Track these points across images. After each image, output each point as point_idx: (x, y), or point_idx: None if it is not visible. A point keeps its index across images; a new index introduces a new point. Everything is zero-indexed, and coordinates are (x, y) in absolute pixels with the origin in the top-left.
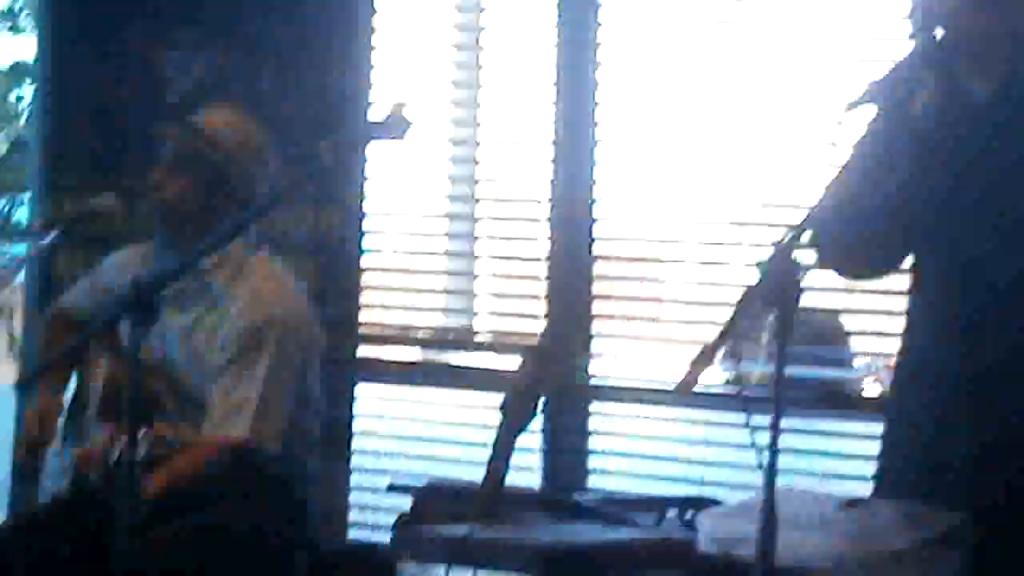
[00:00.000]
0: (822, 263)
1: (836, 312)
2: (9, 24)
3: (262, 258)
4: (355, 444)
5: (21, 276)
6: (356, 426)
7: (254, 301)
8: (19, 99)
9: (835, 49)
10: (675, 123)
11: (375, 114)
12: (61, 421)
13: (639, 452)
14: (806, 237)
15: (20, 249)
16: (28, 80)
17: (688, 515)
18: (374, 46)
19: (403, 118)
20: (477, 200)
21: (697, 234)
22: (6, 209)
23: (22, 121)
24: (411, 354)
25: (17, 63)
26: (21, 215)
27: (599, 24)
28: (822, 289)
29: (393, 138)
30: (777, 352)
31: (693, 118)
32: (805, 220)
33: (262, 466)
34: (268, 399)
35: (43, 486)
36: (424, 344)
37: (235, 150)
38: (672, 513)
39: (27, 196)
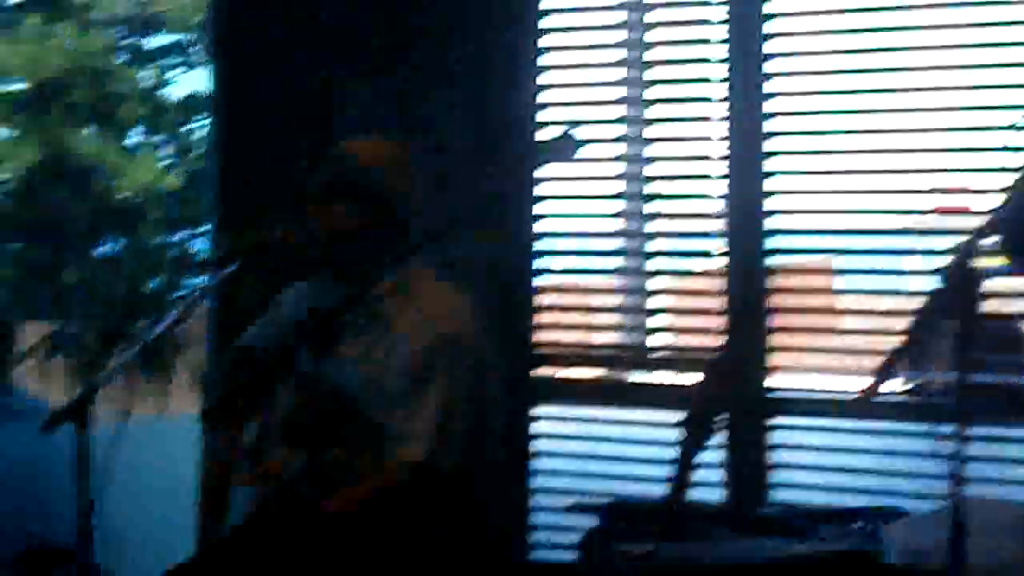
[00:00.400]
0: (1014, 271)
1: (1019, 317)
2: (182, 58)
3: (429, 280)
4: (535, 464)
5: (202, 309)
6: (535, 447)
7: (425, 323)
8: (195, 131)
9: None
10: (847, 128)
11: (544, 135)
12: (244, 455)
13: (822, 464)
14: (988, 242)
15: (200, 282)
16: (202, 113)
17: (874, 527)
18: (541, 67)
19: (572, 138)
20: (649, 216)
21: (874, 243)
22: (185, 242)
23: (197, 154)
24: (588, 373)
25: (191, 96)
26: (201, 247)
27: (767, 35)
28: (1004, 295)
29: (563, 159)
30: (960, 359)
31: (866, 122)
32: (987, 225)
33: (442, 488)
34: (445, 421)
35: (229, 520)
36: (601, 363)
37: (384, 174)
38: (857, 525)
39: (205, 229)
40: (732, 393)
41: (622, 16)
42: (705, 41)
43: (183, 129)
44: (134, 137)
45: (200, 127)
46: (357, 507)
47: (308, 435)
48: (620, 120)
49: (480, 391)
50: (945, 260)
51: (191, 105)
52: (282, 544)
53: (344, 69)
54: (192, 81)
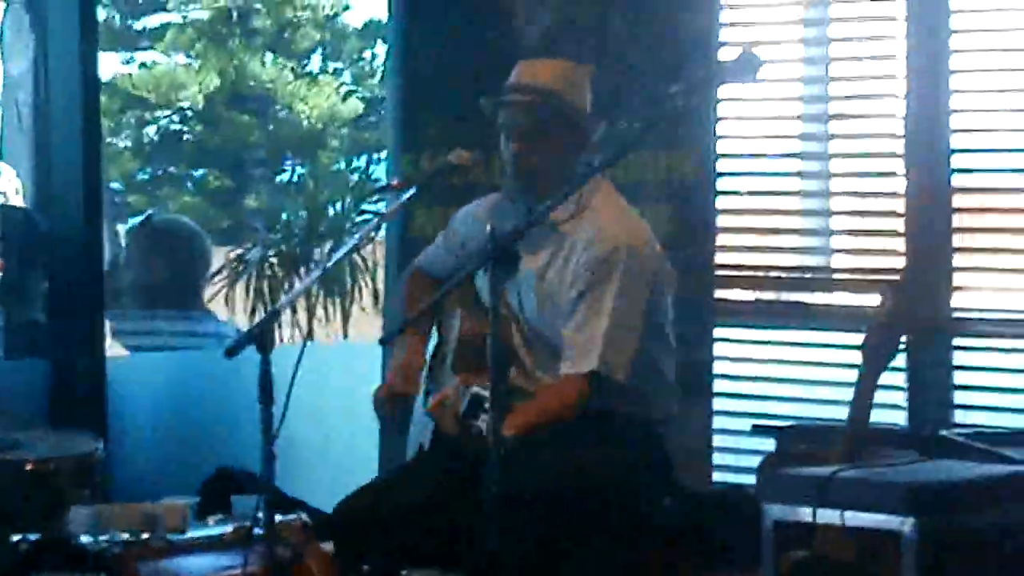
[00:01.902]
0: None
1: None
2: None
3: (604, 193)
4: (716, 386)
5: (381, 232)
6: (716, 368)
7: (599, 233)
8: (373, 57)
9: None
10: None
11: (726, 55)
12: (424, 375)
13: (1005, 385)
14: None
15: (379, 206)
16: (381, 39)
17: None
18: None
19: (754, 58)
20: (831, 137)
21: None
22: (364, 167)
23: (377, 79)
24: (769, 295)
25: (370, 21)
26: (379, 172)
27: None
28: None
29: (745, 79)
30: None
31: None
32: None
33: (617, 402)
34: (616, 328)
35: (411, 439)
36: (782, 284)
37: (572, 97)
38: None
39: (384, 153)
40: (915, 314)
41: None
42: None
43: (362, 55)
44: (314, 63)
45: (379, 53)
46: (532, 424)
47: (491, 356)
48: (802, 39)
49: (655, 300)
50: None
51: (370, 31)
52: (455, 475)
53: None
54: (371, 6)
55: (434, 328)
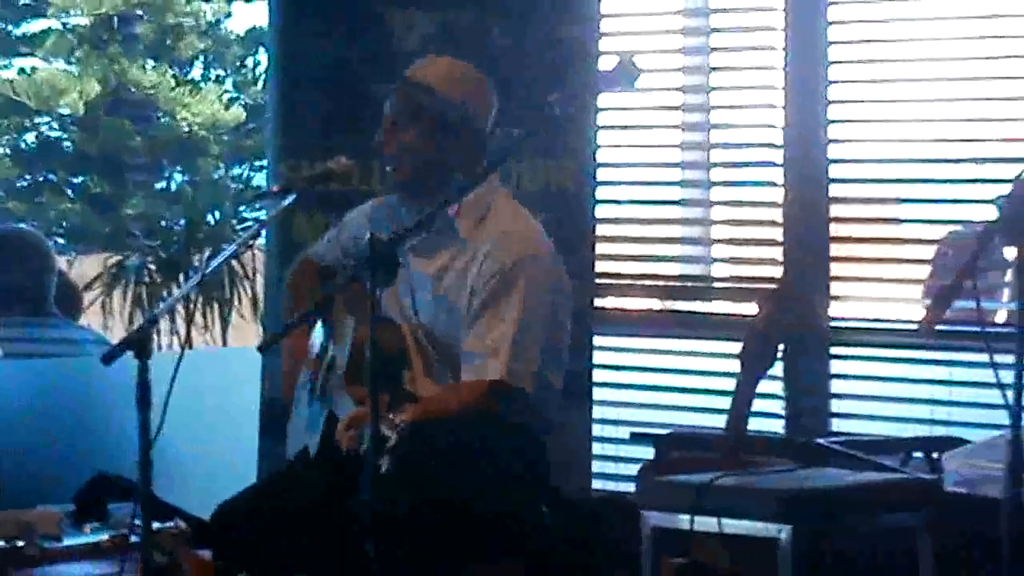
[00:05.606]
0: None
1: None
2: None
3: (505, 200)
4: (595, 394)
5: (261, 239)
6: (596, 376)
7: (503, 242)
8: (256, 65)
9: None
10: (909, 58)
11: (605, 64)
12: (302, 380)
13: (881, 394)
14: None
15: (259, 213)
16: (263, 46)
17: (933, 456)
18: None
19: (633, 67)
20: (711, 146)
21: (935, 171)
22: (245, 174)
23: (259, 87)
24: (648, 303)
25: (252, 28)
26: (260, 179)
27: None
28: None
29: (623, 88)
30: (1020, 289)
31: (927, 51)
32: None
33: (517, 411)
34: (523, 340)
35: (291, 440)
36: (661, 293)
37: (457, 98)
38: (917, 454)
39: (265, 161)
40: (792, 323)
41: None
42: None
43: (244, 62)
44: (196, 70)
45: (261, 60)
46: (429, 416)
47: (370, 372)
48: (682, 48)
49: (554, 312)
50: (1005, 189)
51: (252, 38)
52: (340, 481)
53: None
54: (253, 14)
55: (314, 332)
